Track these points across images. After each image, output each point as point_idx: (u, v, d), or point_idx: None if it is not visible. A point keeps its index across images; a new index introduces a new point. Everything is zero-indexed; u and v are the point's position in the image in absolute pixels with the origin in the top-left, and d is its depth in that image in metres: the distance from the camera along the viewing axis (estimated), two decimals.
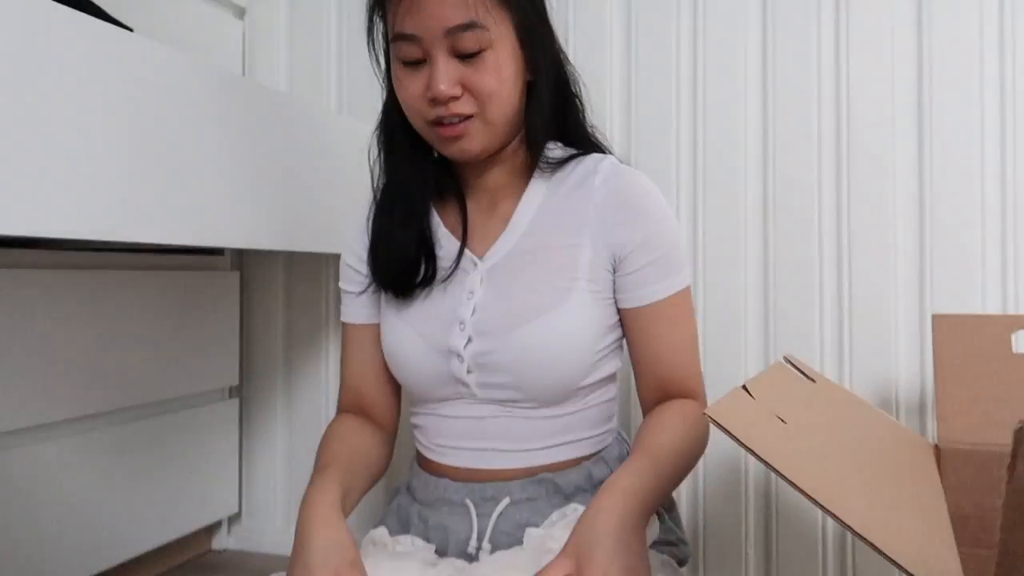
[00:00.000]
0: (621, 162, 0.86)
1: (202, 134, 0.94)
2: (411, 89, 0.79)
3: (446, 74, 0.77)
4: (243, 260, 1.49)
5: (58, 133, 0.75)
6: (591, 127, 0.91)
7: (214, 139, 0.97)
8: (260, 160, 1.04)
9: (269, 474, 1.49)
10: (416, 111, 0.80)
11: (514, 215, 0.84)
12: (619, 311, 0.83)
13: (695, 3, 1.27)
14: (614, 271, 0.82)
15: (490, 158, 0.85)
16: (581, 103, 0.90)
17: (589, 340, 0.80)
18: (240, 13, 1.49)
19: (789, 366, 0.81)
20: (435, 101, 0.78)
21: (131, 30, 0.91)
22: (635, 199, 0.82)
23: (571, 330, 0.79)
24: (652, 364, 0.83)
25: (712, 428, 0.58)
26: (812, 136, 1.21)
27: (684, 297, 0.84)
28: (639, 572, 0.67)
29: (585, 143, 0.89)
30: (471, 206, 0.87)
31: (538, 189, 0.85)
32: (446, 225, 0.87)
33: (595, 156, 0.86)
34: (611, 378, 0.87)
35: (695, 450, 0.80)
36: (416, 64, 0.79)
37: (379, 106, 0.88)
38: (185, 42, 1.32)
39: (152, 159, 0.87)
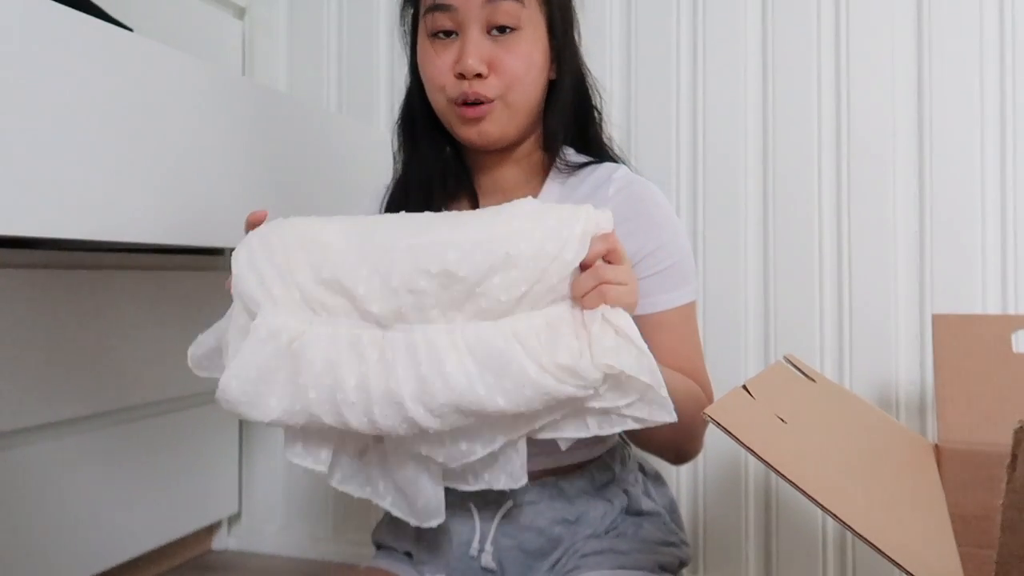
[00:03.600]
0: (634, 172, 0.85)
1: (202, 134, 0.94)
2: (438, 62, 0.79)
3: (477, 49, 0.77)
4: None
5: (58, 133, 0.75)
6: (608, 139, 0.90)
7: (214, 139, 0.97)
8: (260, 160, 1.04)
9: (269, 474, 1.49)
10: (439, 87, 0.80)
11: None
12: None
13: (695, 3, 1.27)
14: None
15: (504, 157, 0.84)
16: (599, 114, 0.89)
17: None
18: (240, 13, 1.49)
19: (789, 366, 0.81)
20: (461, 76, 0.78)
21: (131, 30, 0.91)
22: (647, 210, 0.81)
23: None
24: None
25: (712, 428, 0.58)
26: (812, 136, 1.21)
27: (690, 310, 0.83)
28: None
29: (601, 153, 0.88)
30: (484, 206, 0.86)
31: (552, 193, 0.84)
32: None
33: (609, 165, 0.85)
34: None
35: (691, 406, 0.77)
36: (447, 38, 0.79)
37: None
38: (185, 42, 1.32)
39: (152, 159, 0.87)
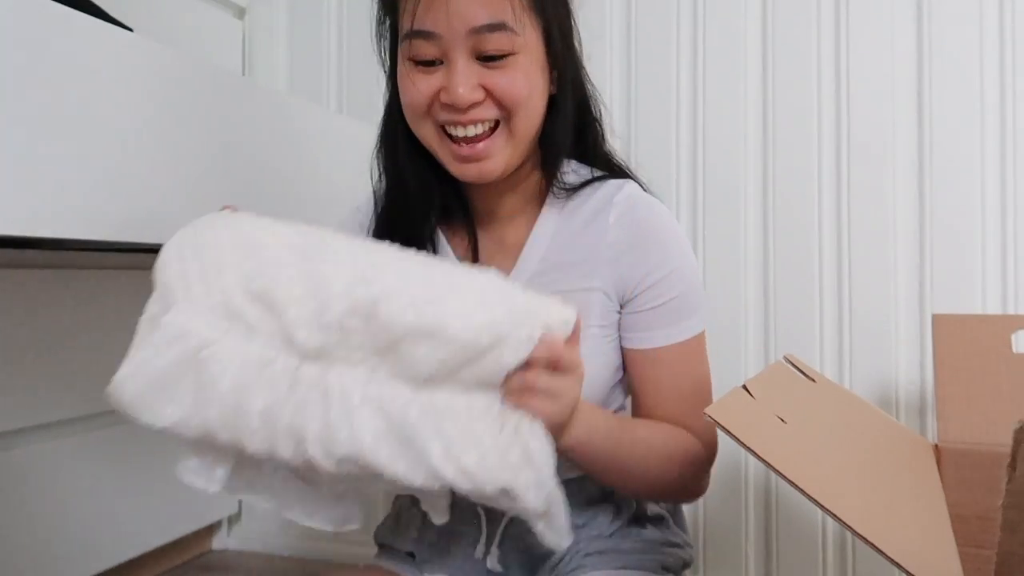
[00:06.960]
0: (643, 188, 0.80)
1: (202, 134, 0.94)
2: (421, 88, 0.71)
3: (467, 77, 0.68)
4: None
5: (58, 133, 0.75)
6: (610, 151, 0.84)
7: (214, 139, 0.97)
8: (260, 160, 1.04)
9: None
10: (422, 115, 0.72)
11: (524, 250, 0.78)
12: (621, 348, 0.78)
13: (695, 3, 1.27)
14: (620, 308, 0.77)
15: (504, 182, 0.77)
16: (601, 126, 0.83)
17: (600, 387, 0.77)
18: (240, 13, 1.49)
19: (789, 366, 0.81)
20: (451, 108, 0.69)
21: (131, 30, 0.90)
22: (651, 237, 0.76)
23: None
24: (653, 408, 0.77)
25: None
26: (812, 136, 1.21)
27: (694, 343, 0.78)
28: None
29: (602, 166, 0.82)
30: (481, 237, 0.80)
31: (550, 219, 0.79)
32: (456, 252, 0.81)
33: (612, 183, 0.78)
34: (620, 408, 0.85)
35: (665, 467, 0.74)
36: (430, 64, 0.71)
37: (379, 105, 0.84)
38: (185, 42, 1.32)
39: (152, 159, 0.87)
